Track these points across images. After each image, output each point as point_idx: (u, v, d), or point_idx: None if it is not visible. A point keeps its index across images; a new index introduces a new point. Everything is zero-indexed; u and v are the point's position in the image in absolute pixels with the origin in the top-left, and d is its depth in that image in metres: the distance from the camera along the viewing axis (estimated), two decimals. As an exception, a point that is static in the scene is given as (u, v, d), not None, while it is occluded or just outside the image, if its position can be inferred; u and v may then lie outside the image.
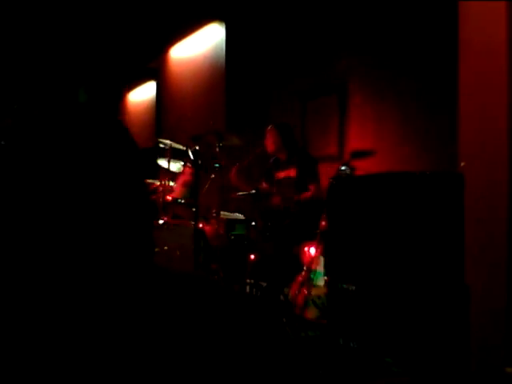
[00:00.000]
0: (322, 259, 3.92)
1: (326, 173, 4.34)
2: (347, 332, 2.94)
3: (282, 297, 3.97)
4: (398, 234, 2.90)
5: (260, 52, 5.26)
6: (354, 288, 3.03)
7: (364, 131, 4.55)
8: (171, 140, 4.88)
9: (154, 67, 6.68)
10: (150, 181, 5.03)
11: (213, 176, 4.60)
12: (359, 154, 4.05)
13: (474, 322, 2.33)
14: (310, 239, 4.15)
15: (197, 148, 4.55)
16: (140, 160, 3.40)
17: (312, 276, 3.84)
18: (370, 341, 2.79)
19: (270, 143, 4.54)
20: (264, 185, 4.73)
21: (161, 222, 4.68)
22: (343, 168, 3.91)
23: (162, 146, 5.19)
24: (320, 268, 3.89)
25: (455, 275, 2.53)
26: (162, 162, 5.03)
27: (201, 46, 5.90)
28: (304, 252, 4.13)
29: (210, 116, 5.61)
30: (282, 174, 4.69)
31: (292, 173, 4.56)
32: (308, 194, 4.38)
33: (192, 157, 4.66)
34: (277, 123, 4.60)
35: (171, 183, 4.84)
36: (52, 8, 5.30)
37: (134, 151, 3.16)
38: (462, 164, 2.47)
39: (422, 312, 2.57)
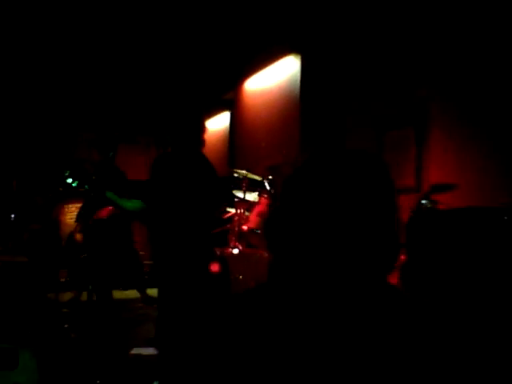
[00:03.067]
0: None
1: (401, 204, 4.25)
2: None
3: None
4: (480, 272, 2.79)
5: (335, 82, 5.30)
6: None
7: (445, 163, 4.44)
8: (247, 170, 4.98)
9: (228, 98, 6.85)
10: (225, 209, 5.14)
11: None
12: (440, 188, 3.95)
13: None
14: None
15: (273, 178, 4.61)
16: (219, 189, 3.46)
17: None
18: None
19: None
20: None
21: (235, 251, 4.74)
22: (424, 201, 3.83)
23: (236, 175, 5.30)
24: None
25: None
26: (237, 192, 5.12)
27: (275, 77, 6.00)
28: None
29: (284, 146, 5.66)
30: None
31: None
32: None
33: (268, 187, 4.72)
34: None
35: (246, 213, 4.91)
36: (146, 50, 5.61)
37: (216, 181, 3.23)
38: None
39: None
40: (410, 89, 4.66)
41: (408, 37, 4.64)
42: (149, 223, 3.34)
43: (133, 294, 6.22)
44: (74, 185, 3.35)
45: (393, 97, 4.80)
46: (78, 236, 5.80)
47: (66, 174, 3.27)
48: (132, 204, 3.28)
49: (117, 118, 7.39)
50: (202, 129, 3.42)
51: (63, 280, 6.29)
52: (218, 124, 7.45)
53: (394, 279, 3.84)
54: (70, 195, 6.20)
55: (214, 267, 4.48)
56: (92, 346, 4.27)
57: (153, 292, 6.42)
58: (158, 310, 3.53)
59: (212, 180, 3.39)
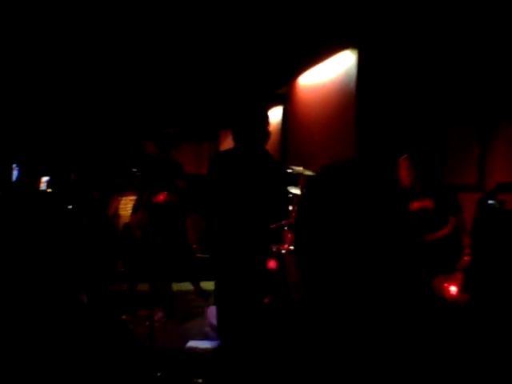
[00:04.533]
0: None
1: (463, 202, 4.15)
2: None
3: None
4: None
5: (394, 77, 5.18)
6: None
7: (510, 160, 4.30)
8: (304, 167, 4.94)
9: (282, 93, 6.82)
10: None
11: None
12: (507, 187, 3.81)
13: None
14: (444, 272, 3.97)
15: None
16: (283, 186, 3.44)
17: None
18: None
19: (405, 176, 4.28)
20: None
21: (292, 247, 4.73)
22: (491, 201, 3.71)
23: (290, 171, 5.27)
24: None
25: None
26: (293, 189, 5.09)
27: (330, 72, 5.93)
28: (443, 287, 3.95)
29: (338, 142, 5.60)
30: (415, 205, 4.50)
31: (428, 203, 4.34)
32: (445, 231, 4.11)
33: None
34: (412, 154, 4.37)
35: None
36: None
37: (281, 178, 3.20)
38: None
39: None
40: (474, 84, 4.52)
41: (472, 30, 4.50)
42: (209, 218, 3.35)
43: (186, 286, 6.31)
44: (138, 173, 3.41)
45: (456, 92, 4.67)
46: (135, 229, 5.92)
47: (132, 165, 3.32)
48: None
49: (172, 112, 7.48)
50: (268, 123, 3.41)
51: (119, 271, 6.44)
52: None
53: (458, 280, 3.76)
54: (126, 188, 6.32)
55: (271, 264, 4.49)
56: (149, 338, 4.34)
57: (206, 285, 6.51)
58: (216, 304, 3.54)
59: (276, 177, 3.37)
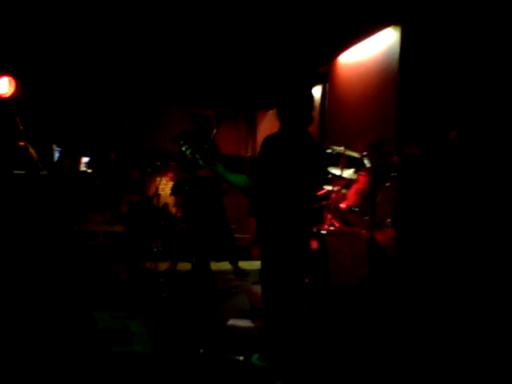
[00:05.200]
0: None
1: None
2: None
3: None
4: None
5: (439, 55, 5.04)
6: None
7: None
8: (345, 147, 4.90)
9: (321, 72, 6.74)
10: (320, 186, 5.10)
11: (388, 185, 4.51)
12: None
13: None
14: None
15: (373, 156, 4.51)
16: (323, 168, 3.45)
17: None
18: None
19: None
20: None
21: (332, 227, 4.72)
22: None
23: (330, 151, 5.23)
24: None
25: None
26: (333, 169, 5.06)
27: (372, 50, 5.81)
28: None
29: (379, 122, 5.51)
30: None
31: None
32: None
33: (368, 165, 4.63)
34: (462, 128, 4.33)
35: (343, 190, 4.85)
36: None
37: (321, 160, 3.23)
38: None
39: None
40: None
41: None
42: (255, 199, 3.35)
43: (224, 266, 6.38)
44: (187, 152, 3.41)
45: (505, 72, 4.51)
46: (174, 209, 6.01)
47: (182, 143, 3.34)
48: (236, 179, 3.31)
49: (210, 93, 7.49)
50: (312, 105, 3.38)
51: (156, 250, 6.54)
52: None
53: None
54: (165, 169, 6.39)
55: (313, 244, 4.49)
56: (190, 316, 4.41)
57: (244, 265, 6.58)
58: (262, 284, 3.56)
59: (317, 159, 3.37)
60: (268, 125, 8.51)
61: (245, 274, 6.31)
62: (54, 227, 4.79)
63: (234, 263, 6.33)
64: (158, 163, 5.70)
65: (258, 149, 3.36)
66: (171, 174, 5.94)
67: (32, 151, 5.02)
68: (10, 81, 5.14)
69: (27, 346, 3.43)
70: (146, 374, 3.40)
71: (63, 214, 5.31)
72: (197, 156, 3.25)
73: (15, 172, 5.10)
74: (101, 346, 3.66)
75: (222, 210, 5.99)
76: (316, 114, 6.97)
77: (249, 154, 9.16)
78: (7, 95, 5.07)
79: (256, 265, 6.61)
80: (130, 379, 3.33)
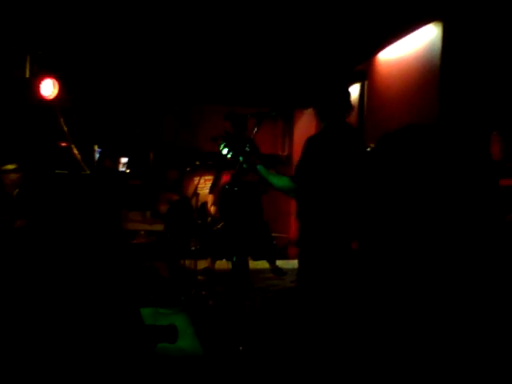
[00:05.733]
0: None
1: None
2: None
3: None
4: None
5: (482, 51, 4.94)
6: None
7: None
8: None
9: (360, 70, 6.67)
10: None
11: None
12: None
13: None
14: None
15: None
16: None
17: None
18: None
19: (496, 151, 4.22)
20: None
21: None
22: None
23: (369, 149, 5.18)
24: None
25: None
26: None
27: (412, 47, 5.72)
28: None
29: (420, 119, 5.43)
30: (505, 182, 4.32)
31: None
32: None
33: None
34: (504, 128, 4.25)
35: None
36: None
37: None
38: None
39: None
40: None
41: None
42: (300, 200, 3.33)
43: (261, 264, 6.39)
44: (228, 156, 3.42)
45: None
46: (212, 208, 6.05)
47: (222, 146, 3.34)
48: (279, 181, 3.30)
49: (249, 92, 7.51)
50: (350, 102, 3.35)
51: (194, 249, 6.61)
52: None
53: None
54: (204, 168, 6.45)
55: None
56: (229, 314, 4.44)
57: (280, 264, 6.57)
58: (299, 284, 3.54)
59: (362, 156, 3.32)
60: (305, 124, 8.47)
61: (282, 272, 6.31)
62: (100, 225, 4.90)
63: (272, 262, 6.34)
64: (197, 163, 5.76)
65: (295, 148, 3.35)
66: (212, 175, 5.99)
67: (75, 151, 5.14)
68: (54, 83, 5.27)
69: (82, 338, 3.53)
70: (192, 372, 3.46)
71: (109, 212, 5.42)
72: (240, 159, 3.24)
73: (58, 172, 5.24)
74: (149, 341, 3.73)
75: (260, 209, 6.00)
76: (354, 111, 6.93)
77: (285, 153, 9.15)
78: (51, 97, 5.20)
79: (293, 264, 6.60)
80: (177, 376, 3.39)
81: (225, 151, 3.37)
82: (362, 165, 3.23)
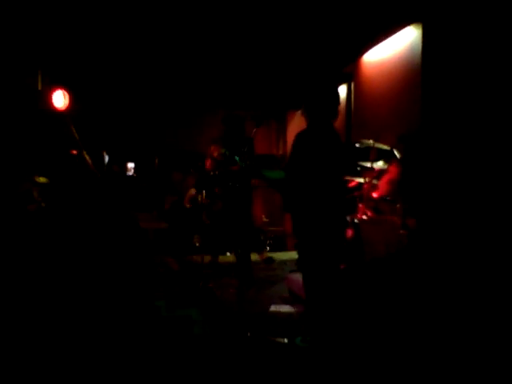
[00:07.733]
0: None
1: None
2: None
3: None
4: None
5: (461, 51, 5.16)
6: None
7: None
8: (375, 140, 5.22)
9: (347, 71, 7.03)
10: (350, 178, 5.42)
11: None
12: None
13: None
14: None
15: (403, 147, 4.84)
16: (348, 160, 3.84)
17: None
18: None
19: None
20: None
21: (365, 216, 5.05)
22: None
23: (358, 145, 5.52)
24: None
25: None
26: (364, 162, 5.37)
27: (394, 48, 6.03)
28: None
29: (403, 117, 5.73)
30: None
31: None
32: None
33: (399, 156, 4.95)
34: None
35: (374, 181, 5.18)
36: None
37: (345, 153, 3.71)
38: None
39: None
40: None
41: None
42: (288, 193, 3.55)
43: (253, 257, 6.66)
44: (227, 153, 3.67)
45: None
46: (188, 204, 6.47)
47: (223, 148, 3.59)
48: (273, 173, 3.51)
49: (243, 94, 7.86)
50: (337, 102, 3.60)
51: (198, 245, 6.96)
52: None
53: None
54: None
55: (348, 233, 4.81)
56: (236, 303, 4.68)
57: (279, 255, 6.92)
58: (302, 272, 3.77)
59: (343, 152, 3.59)
60: (296, 124, 8.82)
61: (271, 260, 6.71)
62: (117, 223, 5.22)
63: (261, 252, 6.73)
64: (200, 163, 6.10)
65: (288, 148, 3.54)
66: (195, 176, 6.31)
67: (87, 157, 5.48)
68: (64, 94, 5.60)
69: (103, 328, 3.80)
70: (205, 356, 3.65)
71: (124, 211, 5.77)
72: (236, 158, 3.49)
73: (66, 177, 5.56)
74: (168, 331, 3.98)
75: (250, 204, 6.23)
76: (342, 111, 7.30)
77: (280, 153, 9.55)
78: (63, 108, 5.53)
79: (290, 255, 6.93)
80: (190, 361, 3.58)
81: (224, 151, 3.61)
82: (341, 156, 3.50)
